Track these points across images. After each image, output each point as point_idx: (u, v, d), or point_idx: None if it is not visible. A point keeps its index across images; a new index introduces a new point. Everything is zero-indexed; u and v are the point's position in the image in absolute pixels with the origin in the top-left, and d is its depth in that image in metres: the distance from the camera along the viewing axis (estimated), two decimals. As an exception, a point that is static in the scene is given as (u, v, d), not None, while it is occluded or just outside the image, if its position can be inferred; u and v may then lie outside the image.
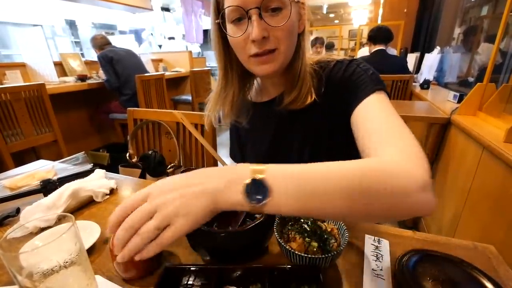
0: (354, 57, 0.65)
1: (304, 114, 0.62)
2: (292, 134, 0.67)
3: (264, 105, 0.69)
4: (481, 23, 2.25)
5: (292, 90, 0.60)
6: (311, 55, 0.63)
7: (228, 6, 0.51)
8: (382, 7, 4.13)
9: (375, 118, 0.48)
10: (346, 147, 0.58)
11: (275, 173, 0.34)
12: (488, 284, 0.40)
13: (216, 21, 0.55)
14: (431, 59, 2.48)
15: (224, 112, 0.68)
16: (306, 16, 0.58)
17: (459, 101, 1.60)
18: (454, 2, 2.88)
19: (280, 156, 0.69)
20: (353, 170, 0.34)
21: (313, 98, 0.59)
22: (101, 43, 2.67)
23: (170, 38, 5.46)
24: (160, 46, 5.57)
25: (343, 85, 0.57)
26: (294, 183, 0.33)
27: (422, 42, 3.52)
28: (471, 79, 2.15)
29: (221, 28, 0.55)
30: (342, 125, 0.56)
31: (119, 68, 2.61)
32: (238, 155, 0.81)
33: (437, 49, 2.51)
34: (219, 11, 0.55)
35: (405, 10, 3.82)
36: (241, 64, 0.59)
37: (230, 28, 0.54)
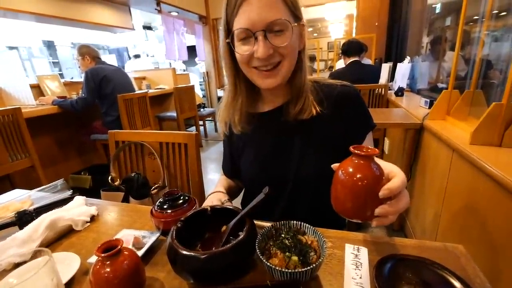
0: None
1: (306, 125, 0.68)
2: (292, 143, 0.70)
3: (265, 114, 0.73)
4: (445, 33, 2.42)
5: (297, 101, 0.66)
6: None
7: (238, 28, 0.57)
8: (355, 21, 4.38)
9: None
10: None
11: None
12: (456, 283, 0.43)
13: (226, 41, 0.62)
14: (403, 68, 2.63)
15: (235, 120, 0.73)
16: (306, 35, 0.65)
17: (430, 106, 1.69)
18: (420, 15, 3.09)
19: (280, 167, 0.72)
20: None
21: (317, 111, 0.66)
22: (94, 54, 2.58)
23: (136, 56, 5.27)
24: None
25: (354, 112, 0.69)
26: None
27: (394, 53, 3.74)
28: (440, 85, 2.28)
29: (230, 46, 0.62)
30: (341, 140, 0.66)
31: (108, 88, 2.50)
32: (230, 167, 0.83)
33: (407, 58, 2.67)
34: (229, 31, 0.61)
35: (376, 24, 4.07)
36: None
37: (238, 46, 0.60)
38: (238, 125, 0.73)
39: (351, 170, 0.41)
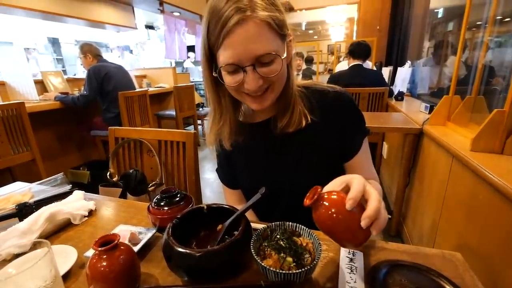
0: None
1: (298, 136, 0.67)
2: (286, 155, 0.70)
3: (256, 125, 0.72)
4: (447, 38, 2.41)
5: (284, 114, 0.65)
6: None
7: (226, 64, 0.54)
8: (356, 24, 4.36)
9: (368, 160, 0.73)
10: (340, 166, 0.72)
11: None
12: (453, 291, 0.42)
13: (214, 75, 0.58)
14: (404, 72, 2.62)
15: (225, 138, 0.71)
16: (293, 47, 0.63)
17: (430, 111, 1.67)
18: (421, 19, 3.09)
19: (275, 175, 0.72)
20: None
21: (308, 121, 0.65)
22: (96, 52, 2.63)
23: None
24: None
25: (349, 119, 0.69)
26: None
27: (395, 57, 3.73)
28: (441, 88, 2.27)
29: (211, 69, 0.59)
30: (338, 146, 0.68)
31: (109, 85, 2.55)
32: (227, 172, 0.82)
33: (408, 63, 2.66)
34: (211, 56, 0.57)
35: (378, 27, 4.07)
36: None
37: (225, 75, 0.57)
38: (228, 141, 0.71)
39: (327, 215, 0.42)
